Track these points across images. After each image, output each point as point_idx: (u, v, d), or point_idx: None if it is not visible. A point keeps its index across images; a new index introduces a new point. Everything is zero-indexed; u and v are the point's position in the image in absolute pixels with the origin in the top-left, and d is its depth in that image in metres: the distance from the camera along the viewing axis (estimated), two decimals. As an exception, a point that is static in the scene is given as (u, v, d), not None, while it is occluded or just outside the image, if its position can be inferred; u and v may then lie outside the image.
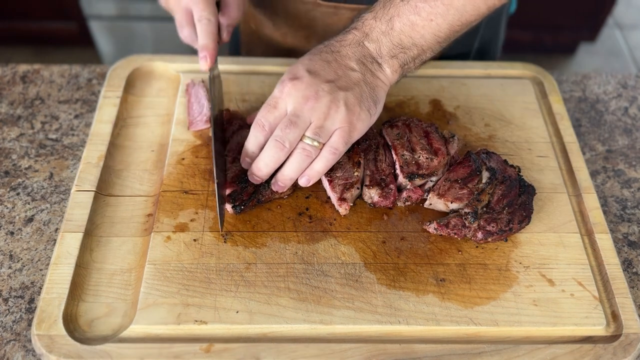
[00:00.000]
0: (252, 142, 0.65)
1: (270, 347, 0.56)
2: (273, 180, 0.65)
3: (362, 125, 0.63)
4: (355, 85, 0.63)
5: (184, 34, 0.73)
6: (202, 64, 0.70)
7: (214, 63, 0.71)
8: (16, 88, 0.86)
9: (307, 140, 0.61)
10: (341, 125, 0.62)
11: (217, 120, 0.71)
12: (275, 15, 0.90)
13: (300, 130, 0.61)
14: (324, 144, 0.62)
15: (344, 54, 0.65)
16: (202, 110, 0.75)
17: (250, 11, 0.93)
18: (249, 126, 0.72)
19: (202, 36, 0.70)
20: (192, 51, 0.78)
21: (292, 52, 0.93)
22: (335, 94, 0.61)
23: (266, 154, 0.62)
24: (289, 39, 0.92)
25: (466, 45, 0.93)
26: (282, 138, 0.61)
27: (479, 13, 0.65)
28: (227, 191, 0.66)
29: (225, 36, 0.75)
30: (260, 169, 0.63)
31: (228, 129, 0.73)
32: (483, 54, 0.98)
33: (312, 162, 0.63)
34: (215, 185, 0.64)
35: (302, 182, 0.64)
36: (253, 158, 0.65)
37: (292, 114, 0.62)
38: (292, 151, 0.62)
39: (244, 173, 0.66)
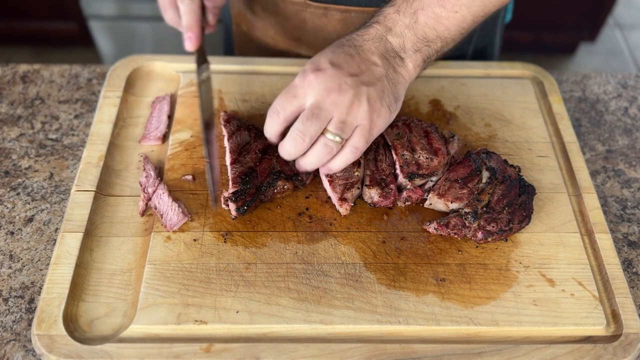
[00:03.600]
0: (267, 129, 0.65)
1: (270, 347, 0.56)
2: (295, 163, 0.66)
3: (382, 122, 0.62)
4: (377, 81, 0.62)
5: (168, 16, 0.72)
6: (188, 44, 0.69)
7: (200, 44, 0.70)
8: (16, 88, 0.86)
9: (329, 136, 0.60)
10: (362, 122, 0.61)
11: (207, 123, 0.70)
12: (265, 17, 0.89)
13: (321, 123, 0.60)
14: (346, 141, 0.62)
15: (366, 49, 0.63)
16: (159, 127, 0.75)
17: (242, 13, 0.92)
18: (247, 127, 0.72)
19: (185, 17, 0.68)
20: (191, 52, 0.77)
21: (283, 55, 0.93)
22: (358, 89, 0.60)
23: (287, 144, 0.62)
24: (279, 41, 0.92)
25: (459, 50, 0.93)
26: (303, 132, 0.60)
27: (502, 1, 0.65)
28: (230, 192, 0.66)
29: (211, 19, 0.74)
30: (284, 156, 0.64)
31: (227, 130, 0.72)
32: (478, 60, 0.98)
33: (332, 157, 0.63)
34: (208, 167, 0.65)
35: (323, 171, 0.65)
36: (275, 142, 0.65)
37: (314, 106, 0.60)
38: (313, 143, 0.62)
39: (245, 175, 0.66)
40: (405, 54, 0.64)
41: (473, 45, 0.95)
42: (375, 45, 0.64)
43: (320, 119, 0.60)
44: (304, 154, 0.63)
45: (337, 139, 0.61)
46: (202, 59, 0.71)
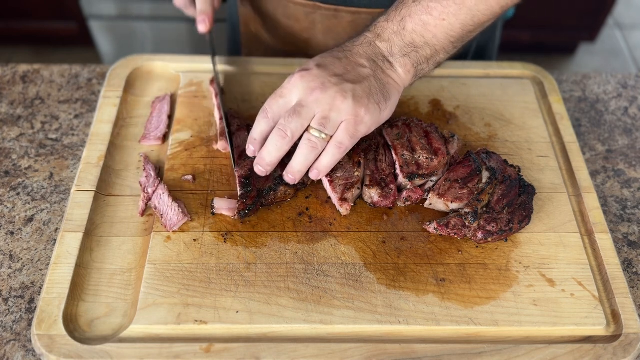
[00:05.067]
0: (255, 129, 0.65)
1: (270, 347, 0.56)
2: (284, 173, 0.65)
3: (371, 119, 0.63)
4: (364, 80, 0.63)
5: None
6: (201, 27, 0.75)
7: (212, 26, 0.76)
8: (16, 88, 0.86)
9: (312, 132, 0.62)
10: (347, 117, 0.61)
11: (226, 115, 0.73)
12: (275, 18, 0.90)
13: (303, 120, 0.61)
14: (331, 137, 0.62)
15: (355, 52, 0.65)
16: (159, 127, 0.75)
17: (251, 14, 0.92)
18: (247, 127, 0.72)
19: (200, 1, 0.75)
20: (192, 51, 0.78)
21: (292, 56, 0.93)
22: (342, 86, 0.61)
23: (269, 143, 0.63)
24: (288, 42, 0.92)
25: (463, 47, 0.93)
26: (285, 127, 0.62)
27: (493, 12, 0.65)
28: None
29: (216, 2, 0.79)
30: (264, 158, 0.64)
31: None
32: (479, 57, 0.98)
33: (319, 155, 0.63)
34: (234, 163, 0.65)
35: (312, 175, 0.65)
36: (256, 146, 0.65)
37: (297, 105, 0.62)
38: (299, 143, 0.63)
39: (245, 178, 0.66)
40: (394, 58, 0.65)
41: (476, 43, 0.95)
42: (364, 50, 0.65)
43: (301, 115, 0.61)
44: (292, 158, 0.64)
45: (322, 135, 0.62)
46: (213, 46, 0.77)
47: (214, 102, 0.73)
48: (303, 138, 0.62)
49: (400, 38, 0.65)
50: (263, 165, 0.64)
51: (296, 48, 0.92)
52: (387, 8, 0.69)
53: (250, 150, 0.67)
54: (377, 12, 0.82)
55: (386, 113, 0.65)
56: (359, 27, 0.85)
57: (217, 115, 0.73)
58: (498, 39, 1.04)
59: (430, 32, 0.64)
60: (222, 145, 0.71)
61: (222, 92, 0.74)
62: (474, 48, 0.96)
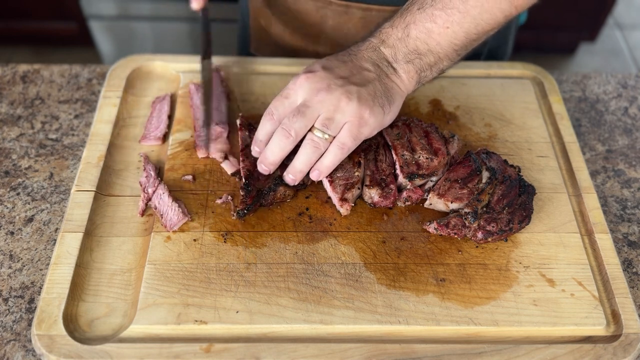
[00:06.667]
0: (261, 130, 0.66)
1: (270, 347, 0.56)
2: (285, 173, 0.65)
3: (374, 121, 0.63)
4: (369, 83, 0.63)
5: None
6: (194, 3, 0.70)
7: (206, 2, 0.71)
8: (16, 88, 0.86)
9: (315, 132, 0.62)
10: (351, 118, 0.62)
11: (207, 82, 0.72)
12: (285, 13, 0.90)
13: (307, 120, 0.62)
14: (334, 138, 0.62)
15: (360, 57, 0.66)
16: (159, 127, 0.75)
17: (260, 8, 0.92)
18: (248, 127, 0.72)
19: None
20: (192, 51, 0.77)
21: (300, 52, 0.93)
22: (347, 87, 0.62)
23: (272, 143, 0.63)
24: (297, 37, 0.92)
25: (474, 50, 0.93)
26: (289, 127, 0.62)
27: (496, 21, 0.65)
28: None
29: None
30: (267, 157, 0.64)
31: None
32: (492, 60, 0.98)
33: (321, 155, 0.63)
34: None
35: (313, 176, 0.65)
36: (261, 147, 0.66)
37: (301, 105, 0.62)
38: (301, 143, 0.63)
39: (246, 178, 0.66)
40: (398, 64, 0.66)
41: (488, 46, 0.95)
42: (368, 54, 0.66)
43: (306, 116, 0.62)
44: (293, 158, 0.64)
45: (324, 135, 0.62)
46: (207, 50, 0.72)
47: (193, 101, 0.71)
48: (306, 138, 0.63)
49: (404, 44, 0.65)
50: (266, 164, 0.65)
51: (304, 44, 0.92)
52: (397, 5, 0.69)
53: (255, 151, 0.67)
54: (388, 10, 0.83)
55: (389, 117, 0.65)
56: (370, 24, 0.85)
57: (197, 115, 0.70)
58: (511, 45, 1.04)
59: (434, 40, 0.65)
60: (202, 153, 0.70)
61: (208, 87, 0.71)
62: (486, 51, 0.96)
